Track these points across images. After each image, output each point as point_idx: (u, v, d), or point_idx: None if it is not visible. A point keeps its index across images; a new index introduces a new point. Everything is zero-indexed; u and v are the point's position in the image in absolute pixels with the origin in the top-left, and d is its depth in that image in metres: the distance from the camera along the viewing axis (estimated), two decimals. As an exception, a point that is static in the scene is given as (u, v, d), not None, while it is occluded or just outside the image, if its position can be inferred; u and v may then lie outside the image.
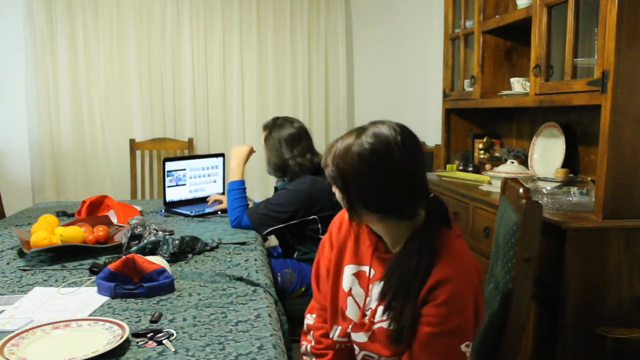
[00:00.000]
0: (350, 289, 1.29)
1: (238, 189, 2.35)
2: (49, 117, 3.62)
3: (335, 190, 1.23)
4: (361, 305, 1.28)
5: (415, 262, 1.16)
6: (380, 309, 1.23)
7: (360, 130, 1.20)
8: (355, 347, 1.30)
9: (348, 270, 1.31)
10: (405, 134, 1.19)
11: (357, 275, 1.30)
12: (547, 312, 1.74)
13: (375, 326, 1.24)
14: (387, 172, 1.16)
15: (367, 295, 1.27)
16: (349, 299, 1.30)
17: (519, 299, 1.32)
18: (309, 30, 3.91)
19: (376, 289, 1.24)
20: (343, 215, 1.36)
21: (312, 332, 1.42)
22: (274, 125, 2.37)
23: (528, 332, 1.80)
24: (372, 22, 4.03)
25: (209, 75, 3.83)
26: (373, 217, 1.21)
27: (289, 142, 2.32)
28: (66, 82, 3.61)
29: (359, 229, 1.32)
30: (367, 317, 1.26)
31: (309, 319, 1.44)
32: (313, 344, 1.40)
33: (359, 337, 1.27)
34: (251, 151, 2.48)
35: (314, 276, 1.43)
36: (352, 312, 1.29)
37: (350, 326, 1.29)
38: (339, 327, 1.32)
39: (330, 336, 1.35)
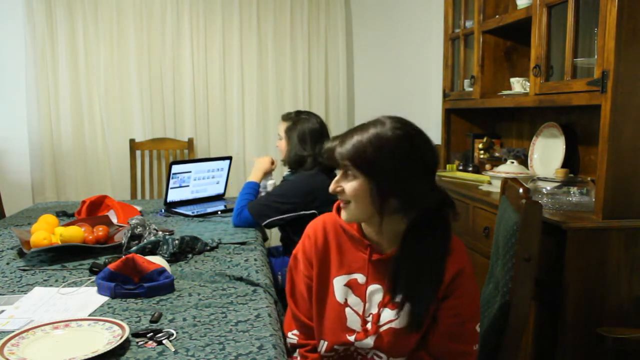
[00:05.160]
0: (346, 299, 1.27)
1: (251, 187, 2.36)
2: (49, 117, 3.62)
3: (351, 184, 1.17)
4: (360, 313, 1.26)
5: (429, 256, 1.18)
6: (387, 311, 1.23)
7: (373, 123, 1.17)
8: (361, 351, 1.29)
9: (338, 282, 1.28)
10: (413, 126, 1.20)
11: (350, 284, 1.27)
12: (547, 312, 1.74)
13: (382, 329, 1.24)
14: (418, 157, 1.15)
15: (365, 301, 1.26)
16: (347, 310, 1.27)
17: (519, 299, 1.32)
18: (309, 30, 3.90)
19: (375, 293, 1.25)
20: (316, 229, 1.32)
21: (297, 350, 1.37)
22: (298, 118, 2.34)
23: (528, 332, 1.80)
24: (372, 22, 4.02)
25: (209, 75, 3.82)
26: (392, 208, 1.16)
27: (313, 137, 2.28)
28: (66, 82, 3.60)
29: (340, 239, 1.28)
30: (369, 324, 1.25)
31: (292, 338, 1.37)
32: None
33: (366, 343, 1.25)
34: (272, 162, 2.49)
35: (289, 293, 1.37)
36: (353, 323, 1.26)
37: (353, 336, 1.26)
38: (326, 342, 1.30)
39: (318, 350, 1.33)
